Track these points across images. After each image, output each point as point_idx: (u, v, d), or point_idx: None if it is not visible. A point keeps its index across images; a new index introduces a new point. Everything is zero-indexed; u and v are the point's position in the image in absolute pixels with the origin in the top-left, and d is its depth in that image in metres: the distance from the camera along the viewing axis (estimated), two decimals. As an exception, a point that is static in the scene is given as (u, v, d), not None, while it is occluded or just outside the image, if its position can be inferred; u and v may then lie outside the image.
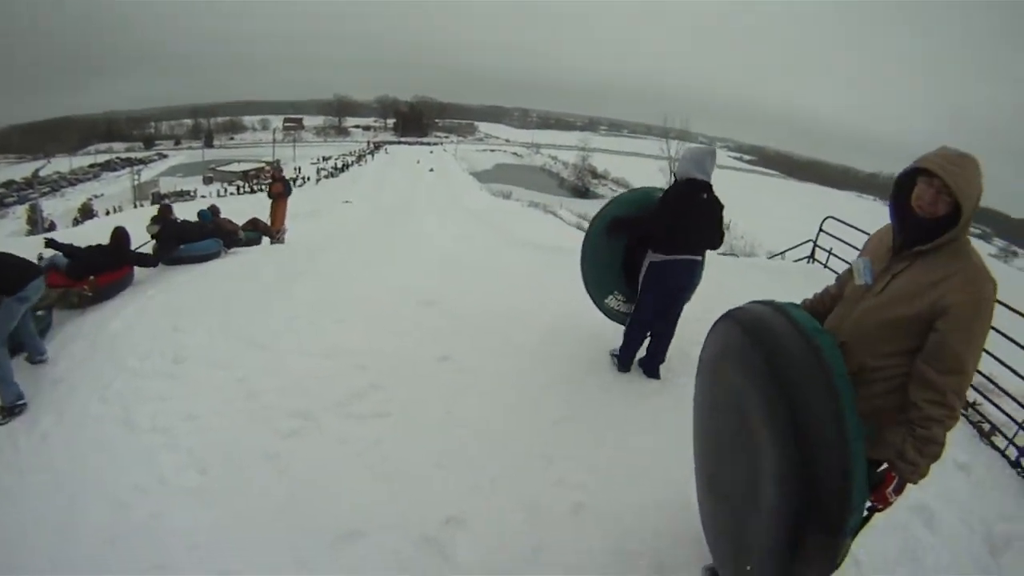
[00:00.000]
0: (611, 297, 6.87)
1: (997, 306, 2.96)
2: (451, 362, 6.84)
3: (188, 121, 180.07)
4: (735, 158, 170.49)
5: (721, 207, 6.09)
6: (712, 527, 3.79)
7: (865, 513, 2.95)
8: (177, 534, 4.49)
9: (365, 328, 7.59)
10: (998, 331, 5.77)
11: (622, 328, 6.83)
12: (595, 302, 7.01)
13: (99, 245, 9.40)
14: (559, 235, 36.30)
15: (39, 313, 7.90)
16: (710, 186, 6.01)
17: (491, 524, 4.62)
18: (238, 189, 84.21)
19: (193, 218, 12.11)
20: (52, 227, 47.63)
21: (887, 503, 3.03)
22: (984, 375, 7.05)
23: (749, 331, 3.17)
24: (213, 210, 13.39)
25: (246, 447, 5.41)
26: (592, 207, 77.99)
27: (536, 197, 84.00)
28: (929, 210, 2.87)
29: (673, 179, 6.21)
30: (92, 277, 8.72)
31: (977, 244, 2.98)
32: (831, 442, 2.69)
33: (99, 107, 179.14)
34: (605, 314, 7.05)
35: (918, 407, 2.88)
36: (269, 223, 17.06)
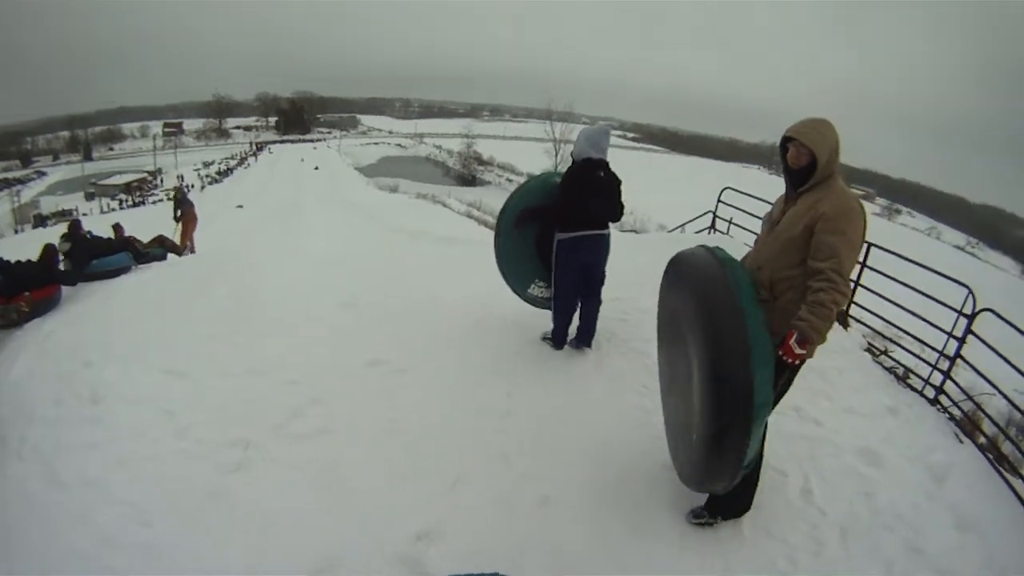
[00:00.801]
0: (533, 286, 7.08)
1: (889, 256, 5.12)
2: (383, 365, 6.67)
3: (65, 133, 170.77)
4: (619, 135, 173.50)
5: (619, 182, 6.57)
6: (670, 425, 4.85)
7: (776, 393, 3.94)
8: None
9: (287, 338, 7.27)
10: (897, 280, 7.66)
11: (544, 312, 7.21)
12: (518, 294, 7.19)
13: (29, 261, 9.24)
14: (451, 225, 36.63)
15: None
16: (607, 163, 6.49)
17: (464, 530, 4.56)
18: (120, 203, 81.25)
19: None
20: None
21: (791, 354, 3.80)
22: (892, 323, 7.88)
23: (680, 261, 4.39)
24: (117, 228, 12.81)
25: (189, 488, 5.03)
26: (481, 194, 78.62)
27: (424, 188, 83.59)
28: (796, 163, 3.97)
29: (572, 160, 6.56)
30: (27, 293, 8.51)
31: (865, 205, 4.05)
32: (733, 328, 3.66)
33: None
34: (530, 303, 7.24)
35: (810, 288, 3.80)
36: (177, 240, 16.59)
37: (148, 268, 11.22)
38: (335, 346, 7.06)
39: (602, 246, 6.62)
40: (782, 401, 4.22)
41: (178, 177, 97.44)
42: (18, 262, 8.98)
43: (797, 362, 3.86)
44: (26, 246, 10.19)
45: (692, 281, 4.06)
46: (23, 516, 4.92)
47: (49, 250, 9.66)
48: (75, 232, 10.68)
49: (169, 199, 72.02)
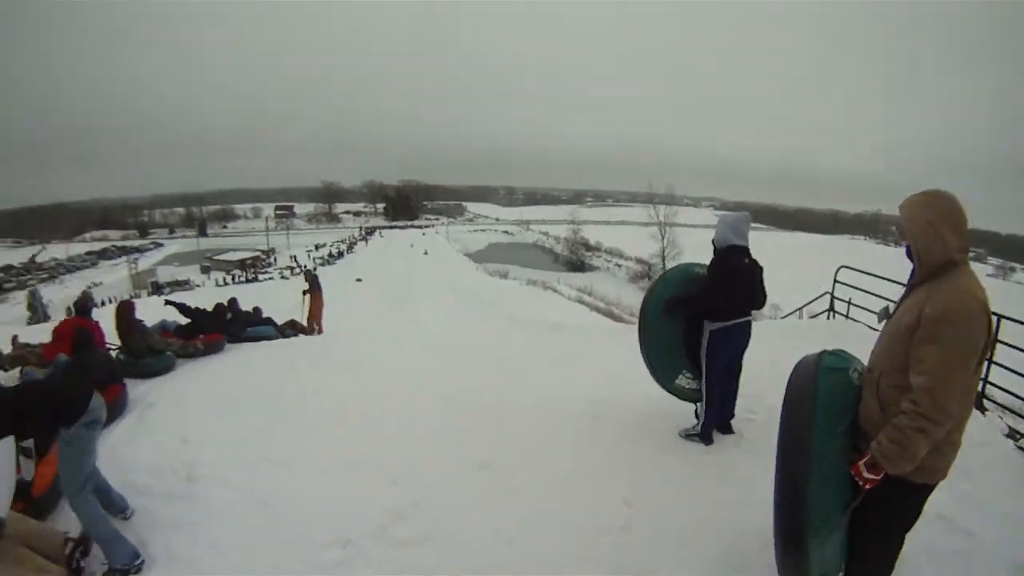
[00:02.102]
0: (680, 377, 6.69)
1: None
2: (491, 468, 6.20)
3: (180, 210, 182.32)
4: (721, 215, 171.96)
5: (761, 269, 6.46)
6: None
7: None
8: None
9: (391, 434, 7.00)
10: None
11: (670, 403, 6.90)
12: (664, 386, 6.78)
13: (204, 310, 11.87)
14: (563, 311, 36.32)
15: (167, 353, 9.72)
16: (748, 250, 6.38)
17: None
18: (233, 278, 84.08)
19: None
20: (70, 313, 47.82)
21: (860, 476, 3.47)
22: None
23: (794, 369, 3.95)
24: (257, 310, 14.71)
25: None
26: (590, 279, 78.48)
27: (533, 274, 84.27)
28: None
29: (713, 247, 6.41)
30: (202, 336, 10.73)
31: (974, 266, 3.43)
32: (798, 440, 3.57)
33: (90, 193, 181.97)
34: (676, 395, 6.81)
35: (900, 404, 3.33)
36: (305, 322, 18.17)
37: (269, 347, 11.69)
38: (441, 445, 6.72)
39: (749, 332, 6.51)
40: (927, 511, 3.65)
41: (291, 257, 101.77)
42: (198, 309, 11.59)
43: (868, 486, 3.47)
44: (144, 311, 10.40)
45: (787, 389, 3.85)
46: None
47: (221, 306, 12.43)
48: (233, 305, 13.19)
49: (283, 277, 74.78)
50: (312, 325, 18.27)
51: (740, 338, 6.42)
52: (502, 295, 45.12)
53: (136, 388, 8.66)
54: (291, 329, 15.50)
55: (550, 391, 7.92)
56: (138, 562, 4.94)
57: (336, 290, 26.81)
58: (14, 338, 11.53)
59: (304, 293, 19.42)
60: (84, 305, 9.98)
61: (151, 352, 9.51)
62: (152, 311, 10.40)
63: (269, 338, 12.93)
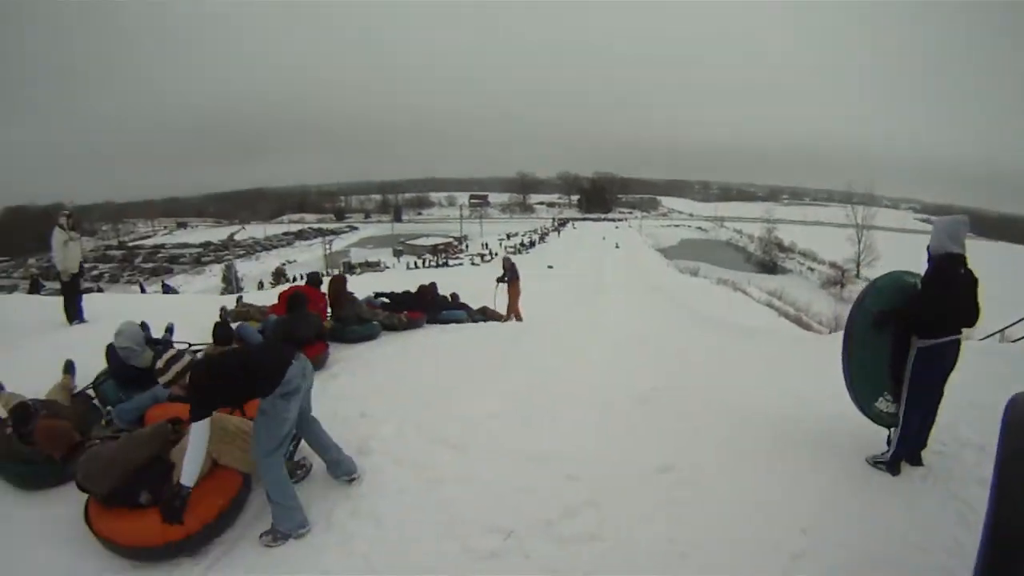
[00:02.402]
0: (881, 400, 6.01)
1: None
2: (672, 473, 5.83)
3: (377, 196, 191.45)
4: (921, 219, 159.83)
5: (976, 281, 5.74)
6: None
7: None
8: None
9: (574, 428, 6.74)
10: None
11: (860, 423, 6.20)
12: (862, 407, 6.09)
13: (408, 292, 13.53)
14: (752, 314, 35.32)
15: (373, 323, 10.90)
16: (965, 259, 5.68)
17: None
18: (424, 262, 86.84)
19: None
20: (261, 286, 50.73)
21: None
22: None
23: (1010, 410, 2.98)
24: (455, 296, 15.58)
25: (433, 564, 4.77)
26: (782, 283, 75.83)
27: (723, 273, 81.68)
28: None
29: (928, 255, 5.77)
30: (404, 313, 11.92)
31: None
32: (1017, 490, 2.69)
33: (291, 180, 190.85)
34: (871, 418, 6.09)
35: None
36: (504, 311, 18.36)
37: (461, 330, 12.07)
38: (624, 443, 6.41)
39: (957, 354, 5.79)
40: None
41: (483, 245, 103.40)
42: (403, 292, 13.49)
43: None
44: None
45: (1004, 436, 3.32)
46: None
47: (423, 287, 13.83)
48: (433, 289, 14.13)
49: (473, 264, 76.18)
50: (509, 314, 18.35)
51: (949, 359, 5.75)
52: (692, 293, 44.02)
53: (339, 352, 9.53)
54: (481, 315, 15.89)
55: (738, 399, 7.48)
56: (303, 531, 5.24)
57: (528, 278, 26.85)
58: (239, 298, 14.42)
59: (499, 281, 19.55)
60: (315, 277, 12.21)
61: (359, 320, 10.68)
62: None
63: (461, 322, 13.60)
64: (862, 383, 6.03)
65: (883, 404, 6.02)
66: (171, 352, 5.54)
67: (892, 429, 6.02)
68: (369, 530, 5.22)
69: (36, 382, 7.26)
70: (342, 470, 5.91)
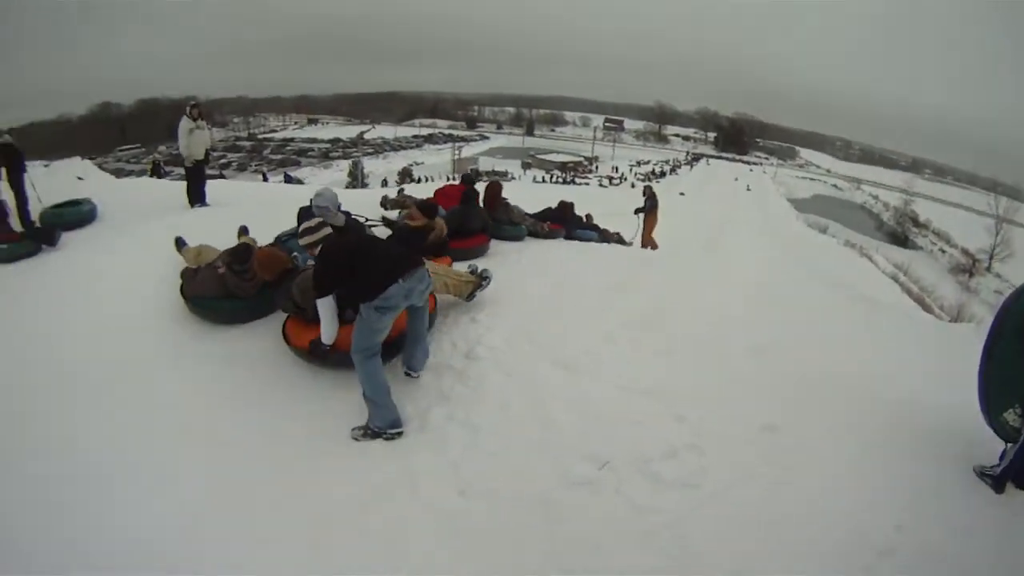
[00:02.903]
0: (1010, 411, 5.35)
1: None
2: (777, 434, 5.52)
3: (511, 109, 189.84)
4: None
5: None
6: None
7: None
8: (408, 555, 4.23)
9: (687, 368, 6.44)
10: None
11: (977, 428, 5.49)
12: (988, 414, 5.44)
13: (549, 208, 13.92)
14: (876, 284, 34.16)
15: (521, 226, 11.59)
16: None
17: None
18: (552, 178, 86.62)
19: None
20: (385, 183, 51.98)
21: None
22: None
23: None
24: (589, 216, 15.98)
25: (523, 483, 4.77)
26: (911, 259, 72.93)
27: (852, 236, 78.72)
28: None
29: None
30: (548, 223, 12.58)
31: None
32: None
33: (425, 87, 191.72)
34: (994, 428, 5.41)
35: None
36: (639, 240, 18.71)
37: (593, 249, 11.97)
38: (734, 393, 6.09)
39: None
40: None
41: (613, 168, 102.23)
42: (544, 209, 13.80)
43: None
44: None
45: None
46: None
47: (564, 204, 14.18)
48: (571, 206, 14.31)
49: (601, 186, 75.80)
50: (644, 243, 18.37)
51: None
52: (817, 250, 42.68)
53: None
54: (615, 239, 16.04)
55: (853, 370, 6.89)
56: (395, 431, 5.37)
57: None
58: (400, 190, 15.98)
59: (638, 212, 19.41)
60: (469, 176, 12.63)
61: (510, 223, 11.48)
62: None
63: (590, 240, 13.93)
64: (997, 390, 5.43)
65: (1011, 416, 5.39)
66: (316, 220, 5.97)
67: (1009, 445, 5.43)
68: (464, 437, 5.27)
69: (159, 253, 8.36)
70: (410, 364, 6.13)
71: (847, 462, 5.29)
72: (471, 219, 10.15)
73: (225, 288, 7.30)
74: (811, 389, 6.37)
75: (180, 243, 8.84)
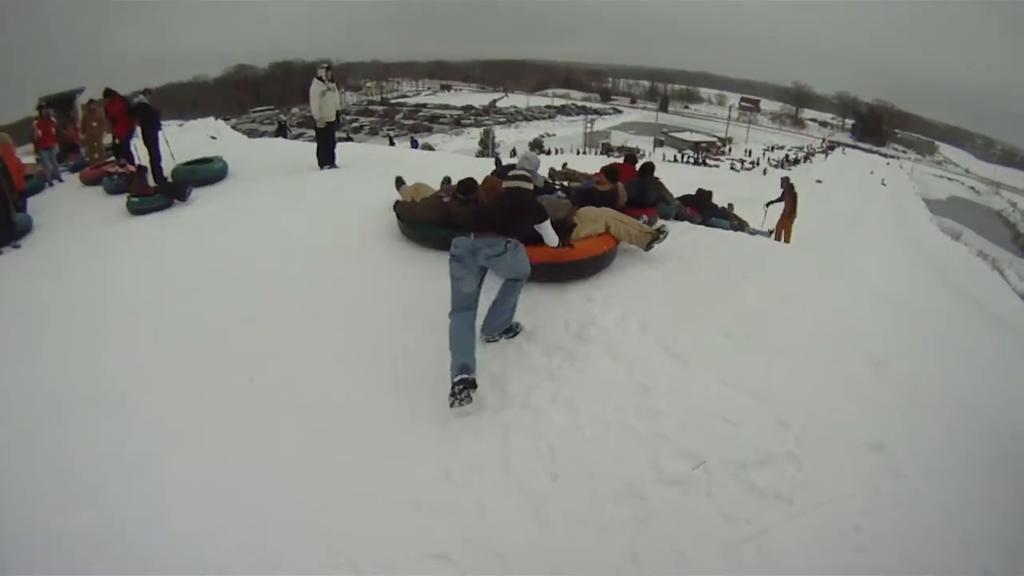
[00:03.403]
0: None
1: None
2: (884, 455, 5.20)
3: (645, 83, 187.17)
4: None
5: None
6: None
7: None
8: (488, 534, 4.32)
9: (798, 371, 6.20)
10: None
11: None
12: None
13: (689, 195, 14.44)
14: (1001, 300, 32.70)
15: (672, 206, 11.54)
16: None
17: None
18: (683, 157, 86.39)
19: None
20: (514, 153, 52.53)
21: None
22: None
23: None
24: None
25: (615, 473, 4.75)
26: (1043, 278, 69.89)
27: (985, 246, 75.68)
28: None
29: None
30: (688, 208, 12.95)
31: None
32: None
33: (559, 56, 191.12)
34: None
35: None
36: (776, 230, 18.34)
37: (717, 235, 11.62)
38: (844, 404, 5.80)
39: None
40: None
41: (746, 151, 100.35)
42: (684, 195, 14.10)
43: None
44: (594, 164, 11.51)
45: None
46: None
47: (703, 191, 14.82)
48: (709, 194, 14.97)
49: (733, 169, 74.81)
50: (779, 234, 18.01)
51: None
52: (947, 258, 41.19)
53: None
54: (743, 227, 16.27)
55: (971, 395, 6.30)
56: (460, 379, 5.52)
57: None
58: (564, 164, 17.69)
59: (769, 204, 18.68)
60: (632, 155, 14.03)
61: (663, 201, 11.31)
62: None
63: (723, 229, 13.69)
64: None
65: None
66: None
67: None
68: (565, 418, 5.29)
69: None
70: (488, 327, 6.48)
71: (958, 495, 4.97)
72: (647, 191, 10.65)
73: (447, 215, 8.57)
74: (927, 409, 6.04)
75: (400, 181, 10.32)
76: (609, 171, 9.98)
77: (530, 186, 6.62)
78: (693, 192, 14.82)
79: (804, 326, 7.27)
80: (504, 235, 5.91)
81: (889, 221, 54.24)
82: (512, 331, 6.57)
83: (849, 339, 7.15)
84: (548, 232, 6.69)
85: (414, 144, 49.63)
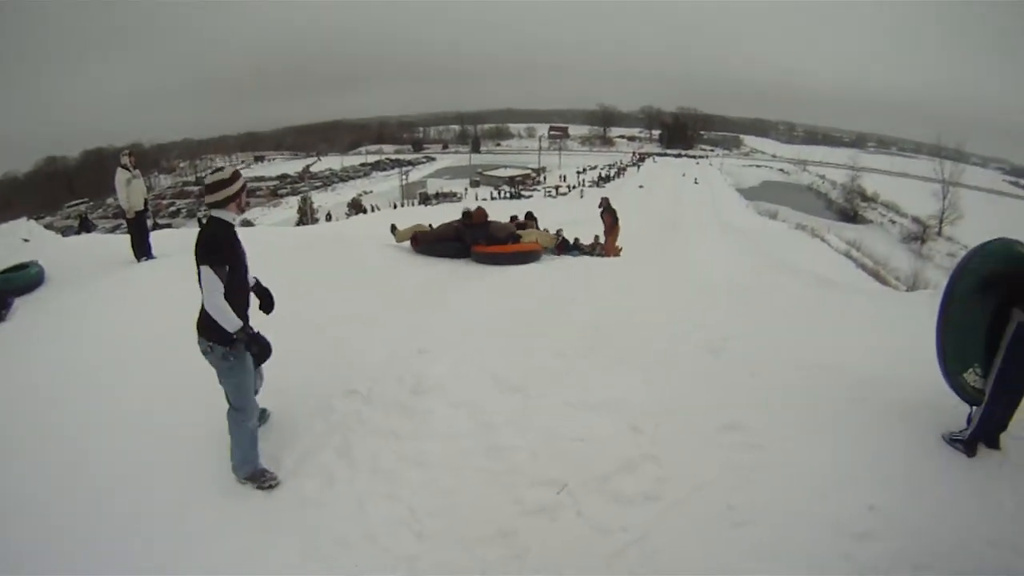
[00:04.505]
0: (970, 372, 5.36)
1: None
2: (739, 432, 5.41)
3: (455, 127, 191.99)
4: (1010, 182, 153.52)
5: None
6: None
7: None
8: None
9: (641, 375, 6.33)
10: None
11: (939, 395, 5.59)
12: (949, 377, 5.48)
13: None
14: (829, 264, 34.35)
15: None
16: None
17: None
18: (500, 193, 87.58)
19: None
20: (329, 218, 51.78)
21: None
22: None
23: None
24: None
25: (479, 516, 4.61)
26: (862, 234, 74.18)
27: (802, 218, 79.33)
28: None
29: None
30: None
31: None
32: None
33: (370, 112, 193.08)
34: (956, 391, 5.47)
35: None
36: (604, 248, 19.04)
37: (547, 265, 11.92)
38: (691, 395, 6.01)
39: None
40: None
41: (560, 177, 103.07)
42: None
43: None
44: (407, 217, 11.67)
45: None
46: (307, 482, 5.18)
47: (480, 211, 15.71)
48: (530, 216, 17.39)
49: (549, 196, 76.43)
50: (610, 251, 18.43)
51: None
52: (769, 237, 43.09)
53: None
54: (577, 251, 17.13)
55: (813, 355, 6.82)
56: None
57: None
58: (417, 225, 16.93)
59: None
60: (468, 212, 13.81)
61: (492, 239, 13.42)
62: (416, 218, 11.70)
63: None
64: (955, 350, 5.46)
65: (971, 377, 5.40)
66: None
67: (975, 408, 5.43)
68: (417, 476, 5.09)
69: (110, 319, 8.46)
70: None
71: (813, 449, 5.22)
72: (490, 231, 13.01)
73: (457, 234, 12.78)
74: (772, 380, 6.29)
75: (393, 228, 14.15)
76: (527, 217, 16.53)
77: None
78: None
79: (639, 331, 7.42)
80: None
81: (708, 215, 57.11)
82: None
83: (686, 333, 7.34)
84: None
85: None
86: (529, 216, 16.96)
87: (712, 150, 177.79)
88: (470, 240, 12.69)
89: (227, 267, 4.84)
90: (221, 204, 5.02)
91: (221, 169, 5.34)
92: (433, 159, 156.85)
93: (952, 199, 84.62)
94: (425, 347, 7.07)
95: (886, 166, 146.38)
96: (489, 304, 8.71)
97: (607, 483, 4.81)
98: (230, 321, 4.77)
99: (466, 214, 13.17)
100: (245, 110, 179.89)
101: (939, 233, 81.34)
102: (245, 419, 5.06)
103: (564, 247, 15.58)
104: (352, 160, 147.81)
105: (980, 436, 5.29)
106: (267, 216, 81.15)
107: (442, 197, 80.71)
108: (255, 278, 5.52)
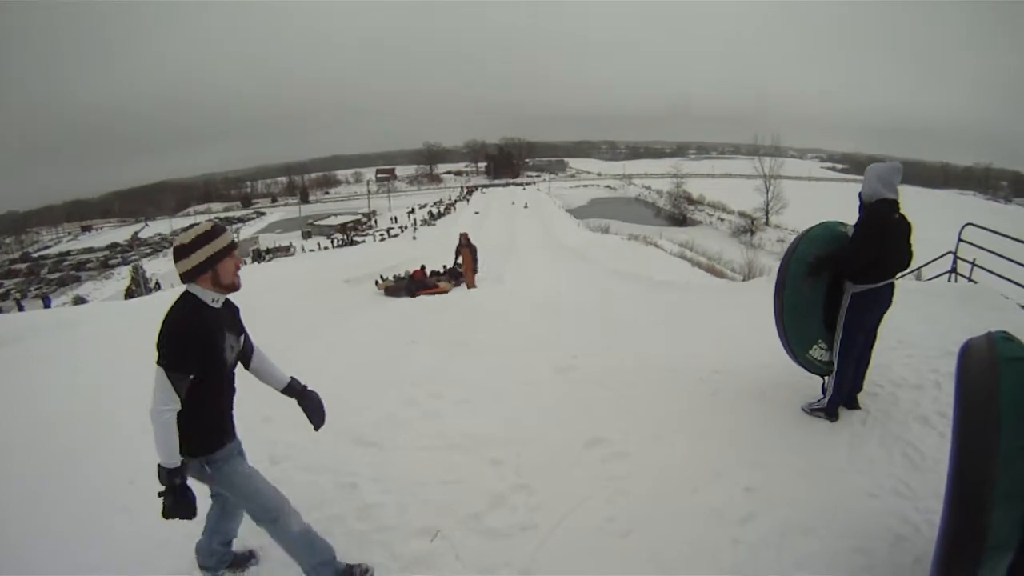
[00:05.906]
0: (815, 347, 5.91)
1: None
2: (603, 446, 5.55)
3: (283, 179, 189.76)
4: (827, 168, 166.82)
5: (910, 226, 5.76)
6: None
7: None
8: None
9: (495, 408, 6.41)
10: None
11: (790, 373, 6.26)
12: (796, 357, 5.98)
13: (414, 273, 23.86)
14: (666, 267, 35.41)
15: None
16: (898, 204, 5.67)
17: None
18: (333, 242, 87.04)
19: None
20: (158, 286, 49.72)
21: None
22: None
23: (961, 352, 3.19)
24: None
25: None
26: (693, 234, 77.48)
27: (635, 229, 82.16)
28: None
29: (860, 201, 5.76)
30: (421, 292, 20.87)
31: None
32: (977, 466, 2.79)
33: (195, 171, 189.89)
34: (806, 367, 6.01)
35: None
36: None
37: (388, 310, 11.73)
38: (549, 418, 6.11)
39: (892, 295, 5.84)
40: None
41: (392, 219, 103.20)
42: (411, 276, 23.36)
43: None
44: (248, 277, 10.88)
45: (959, 384, 3.06)
46: None
47: (420, 271, 24.24)
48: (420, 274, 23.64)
49: (381, 239, 76.33)
50: (470, 285, 20.94)
51: (884, 303, 5.80)
52: (604, 250, 43.95)
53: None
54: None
55: (663, 359, 7.26)
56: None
57: (436, 243, 25.59)
58: (394, 276, 24.02)
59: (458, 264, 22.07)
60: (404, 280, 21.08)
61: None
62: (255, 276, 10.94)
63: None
64: (796, 332, 5.89)
65: (817, 352, 5.90)
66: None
67: (827, 378, 5.96)
68: (282, 554, 4.45)
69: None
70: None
71: (678, 447, 5.43)
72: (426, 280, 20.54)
73: (424, 281, 21.72)
74: (625, 390, 6.49)
75: (382, 277, 22.24)
76: (466, 239, 20.71)
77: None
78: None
79: (484, 364, 7.53)
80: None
81: (541, 237, 57.92)
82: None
83: (533, 358, 7.54)
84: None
85: (47, 303, 46.55)
86: (467, 238, 20.78)
87: (539, 175, 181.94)
88: (414, 287, 20.84)
89: (191, 376, 3.48)
90: (190, 277, 3.61)
91: (196, 225, 3.72)
92: (263, 214, 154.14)
93: (775, 191, 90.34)
94: (272, 415, 6.40)
95: (709, 170, 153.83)
96: (335, 355, 8.61)
97: (480, 521, 4.71)
98: (165, 451, 3.42)
99: (422, 269, 22.14)
100: (68, 177, 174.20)
101: (767, 223, 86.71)
102: (288, 524, 3.92)
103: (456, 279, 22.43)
104: (182, 222, 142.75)
105: (839, 401, 5.82)
106: (100, 291, 77.22)
107: (275, 252, 79.07)
108: (292, 378, 4.49)
